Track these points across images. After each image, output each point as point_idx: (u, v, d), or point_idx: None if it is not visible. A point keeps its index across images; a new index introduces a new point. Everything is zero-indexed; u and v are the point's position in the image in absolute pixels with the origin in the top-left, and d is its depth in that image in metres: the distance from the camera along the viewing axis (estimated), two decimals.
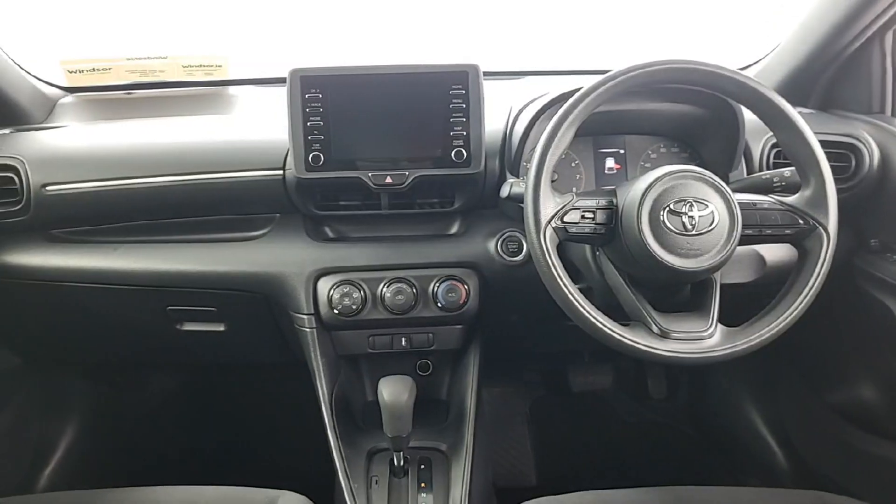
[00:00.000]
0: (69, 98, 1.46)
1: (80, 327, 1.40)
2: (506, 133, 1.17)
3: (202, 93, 1.47)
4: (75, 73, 1.40)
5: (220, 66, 1.41)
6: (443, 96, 1.06)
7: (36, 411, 1.60)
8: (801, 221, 0.93)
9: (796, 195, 0.95)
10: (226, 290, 1.21)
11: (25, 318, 1.39)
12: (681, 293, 1.00)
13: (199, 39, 1.55)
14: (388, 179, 1.08)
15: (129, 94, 1.47)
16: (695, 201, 0.89)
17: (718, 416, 1.85)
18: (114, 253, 1.20)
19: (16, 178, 1.14)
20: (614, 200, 0.94)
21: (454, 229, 1.22)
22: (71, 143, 1.25)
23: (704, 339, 0.90)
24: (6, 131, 1.28)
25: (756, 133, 1.19)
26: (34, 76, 1.40)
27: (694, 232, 0.88)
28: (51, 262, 1.21)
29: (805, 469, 1.59)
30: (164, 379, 1.96)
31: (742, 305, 0.99)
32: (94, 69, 1.40)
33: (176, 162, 1.16)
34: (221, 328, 1.31)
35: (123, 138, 1.24)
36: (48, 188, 1.14)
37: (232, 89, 1.48)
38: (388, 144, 1.08)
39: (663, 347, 0.89)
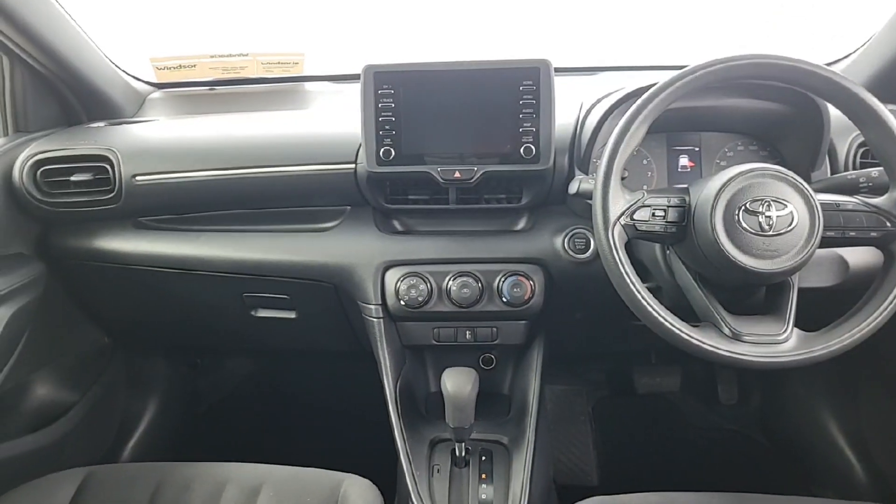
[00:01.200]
0: (158, 93, 1.55)
1: (162, 310, 1.48)
2: (576, 129, 1.16)
3: (279, 89, 1.53)
4: (164, 69, 1.49)
5: (296, 63, 1.47)
6: (513, 92, 1.06)
7: (122, 388, 1.70)
8: (888, 224, 0.89)
9: (884, 196, 0.90)
10: (298, 279, 1.24)
11: (115, 301, 1.47)
12: (755, 295, 0.98)
13: (278, 37, 1.61)
14: (457, 174, 1.09)
15: (211, 89, 1.54)
16: (773, 201, 0.86)
17: (792, 424, 1.77)
18: (196, 241, 1.26)
19: (109, 169, 1.21)
20: (687, 198, 0.93)
21: (521, 225, 1.22)
22: (159, 136, 1.32)
23: (779, 342, 0.88)
24: (101, 124, 1.37)
25: (842, 131, 1.14)
26: (127, 73, 1.49)
27: (771, 232, 0.86)
28: (138, 247, 1.28)
29: (885, 483, 1.50)
30: (238, 363, 2.05)
31: (821, 310, 0.95)
32: (180, 66, 1.48)
33: (255, 155, 1.21)
34: (293, 315, 1.35)
35: (206, 132, 1.30)
36: (138, 178, 1.21)
37: (308, 85, 1.54)
38: (457, 140, 1.09)
39: (735, 350, 0.86)
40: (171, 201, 1.25)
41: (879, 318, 0.87)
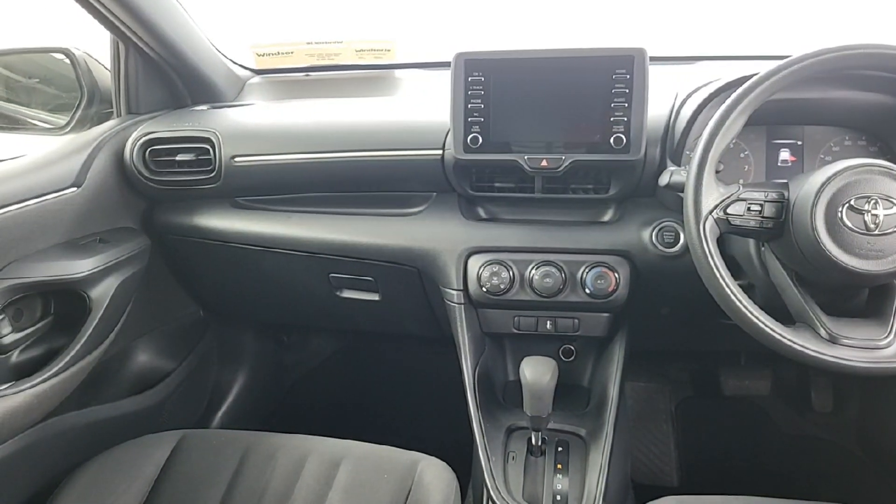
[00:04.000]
0: (256, 79, 1.62)
1: (253, 287, 1.54)
2: (669, 120, 1.13)
3: (371, 75, 1.56)
4: (263, 56, 1.55)
5: (388, 51, 1.49)
6: (605, 81, 1.04)
7: (214, 359, 1.79)
8: None
9: None
10: (383, 261, 1.27)
11: (210, 276, 1.55)
12: (856, 297, 0.93)
13: (370, 24, 1.65)
14: (544, 163, 1.08)
15: (307, 75, 1.60)
16: (880, 198, 0.82)
17: (893, 436, 1.66)
18: (287, 221, 1.30)
19: (211, 150, 1.27)
20: (786, 193, 0.89)
21: (608, 216, 1.20)
22: (257, 119, 1.37)
23: (881, 347, 0.83)
24: (204, 108, 1.44)
25: None
26: (229, 59, 1.57)
27: (877, 232, 0.81)
28: (234, 226, 1.33)
29: None
30: (323, 341, 2.12)
31: None
32: (278, 52, 1.53)
33: (346, 140, 1.24)
34: (376, 298, 1.38)
35: (301, 117, 1.34)
36: (236, 159, 1.26)
37: (398, 72, 1.56)
38: (545, 128, 1.08)
39: (832, 353, 0.82)
40: (265, 182, 1.30)
41: None
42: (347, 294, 1.41)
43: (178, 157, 1.28)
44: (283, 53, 1.53)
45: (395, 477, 1.06)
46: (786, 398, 1.86)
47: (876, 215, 0.81)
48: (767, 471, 1.71)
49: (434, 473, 1.06)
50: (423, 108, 1.30)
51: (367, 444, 1.14)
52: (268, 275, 1.44)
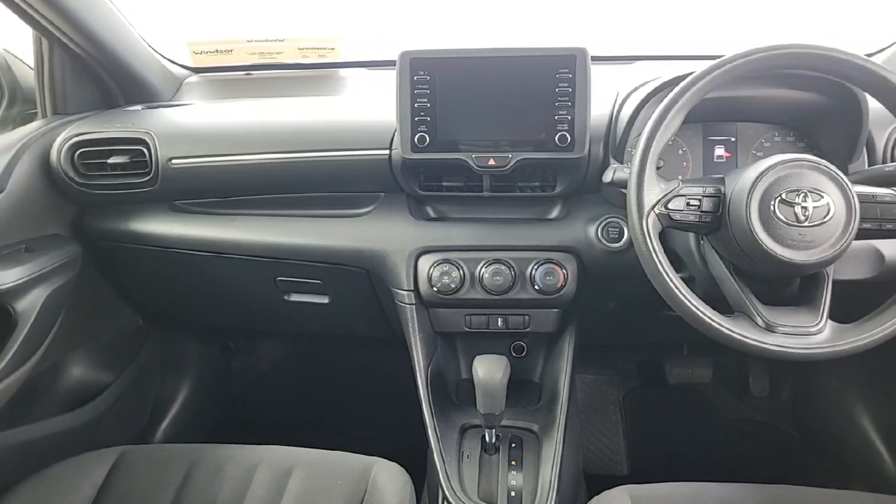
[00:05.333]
0: (194, 78, 1.57)
1: (196, 293, 1.50)
2: (611, 118, 1.16)
3: (315, 74, 1.54)
4: (201, 54, 1.50)
5: (332, 49, 1.47)
6: (549, 80, 1.06)
7: (156, 369, 1.73)
8: None
9: None
10: (331, 263, 1.25)
11: (148, 283, 1.49)
12: (789, 286, 0.97)
13: (313, 23, 1.62)
14: (492, 162, 1.09)
15: (248, 74, 1.56)
16: (809, 191, 0.86)
17: (825, 417, 1.75)
18: (230, 224, 1.27)
19: (146, 152, 1.22)
20: (722, 188, 0.92)
21: (555, 213, 1.21)
22: (195, 120, 1.33)
23: (813, 334, 0.87)
24: (138, 108, 1.39)
25: (881, 123, 1.12)
26: (164, 57, 1.51)
27: (807, 223, 0.85)
28: (173, 230, 1.29)
29: None
30: (271, 346, 2.08)
31: (856, 302, 0.94)
32: (217, 50, 1.49)
33: (290, 140, 1.21)
34: (326, 300, 1.36)
35: (242, 117, 1.31)
36: (173, 161, 1.22)
37: (343, 71, 1.54)
38: (492, 127, 1.09)
39: (768, 341, 0.86)
40: (206, 185, 1.26)
41: None
42: (296, 297, 1.38)
43: (111, 160, 1.23)
44: (221, 52, 1.49)
45: (349, 482, 1.04)
46: (726, 384, 1.94)
47: (805, 207, 0.85)
48: (711, 455, 1.78)
49: (388, 477, 1.05)
50: (369, 108, 1.29)
51: (319, 450, 1.12)
52: (211, 280, 1.40)
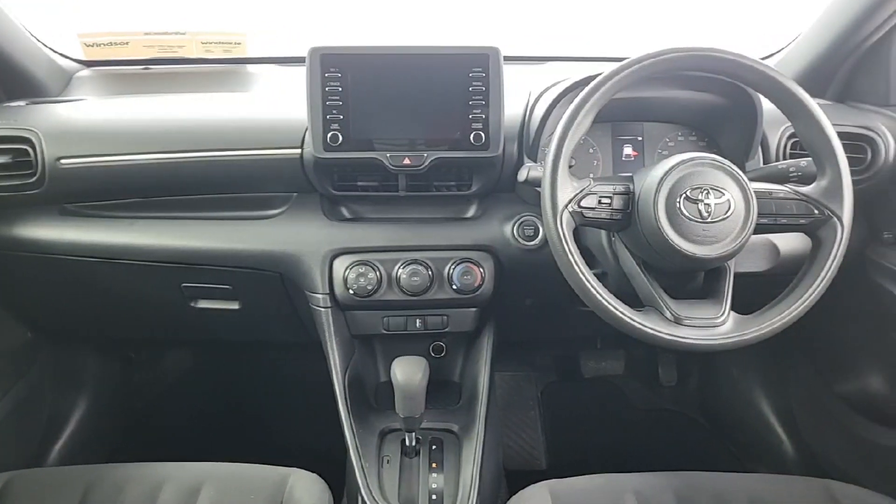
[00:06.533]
0: (86, 72, 1.47)
1: (92, 302, 1.41)
2: (524, 117, 1.17)
3: (221, 70, 1.47)
4: (92, 46, 1.41)
5: (238, 44, 1.41)
6: (463, 79, 1.06)
7: (48, 386, 1.61)
8: (815, 211, 0.93)
9: (812, 185, 0.95)
10: (241, 268, 1.21)
11: (38, 293, 1.39)
12: (695, 280, 1.01)
13: (220, 17, 1.55)
14: (407, 161, 1.08)
15: (146, 69, 1.47)
16: (711, 189, 0.89)
17: (728, 403, 1.86)
18: (129, 228, 1.20)
19: (30, 151, 1.13)
20: (631, 186, 0.95)
21: (471, 212, 1.22)
22: (87, 116, 1.24)
23: (717, 325, 0.91)
24: (21, 103, 1.28)
25: (774, 123, 1.19)
26: (51, 49, 1.40)
27: (710, 219, 0.89)
28: (64, 236, 1.21)
29: (812, 457, 1.60)
30: (178, 356, 1.98)
31: (755, 294, 0.99)
32: (111, 43, 1.40)
33: (193, 138, 1.16)
34: (236, 306, 1.31)
35: (140, 113, 1.24)
36: (63, 161, 1.14)
37: (251, 68, 1.48)
38: (407, 126, 1.08)
39: (676, 333, 0.89)
40: (100, 186, 1.19)
41: (807, 301, 0.91)
42: (203, 304, 1.33)
43: None
44: (116, 44, 1.40)
45: (263, 496, 1.00)
46: (637, 375, 2.02)
47: (708, 204, 0.89)
48: (625, 444, 1.84)
49: (305, 488, 1.02)
50: (278, 105, 1.25)
51: (231, 464, 1.07)
52: (109, 289, 1.32)
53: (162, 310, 1.38)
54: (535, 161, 1.14)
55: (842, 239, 0.92)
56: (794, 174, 1.05)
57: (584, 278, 0.90)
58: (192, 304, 1.32)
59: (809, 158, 0.99)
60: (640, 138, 1.26)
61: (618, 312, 0.90)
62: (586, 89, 0.92)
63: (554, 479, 1.03)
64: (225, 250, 1.19)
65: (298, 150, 1.13)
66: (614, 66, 0.92)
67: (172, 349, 1.97)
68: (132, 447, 1.76)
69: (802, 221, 0.94)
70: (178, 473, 1.05)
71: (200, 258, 1.20)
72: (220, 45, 1.40)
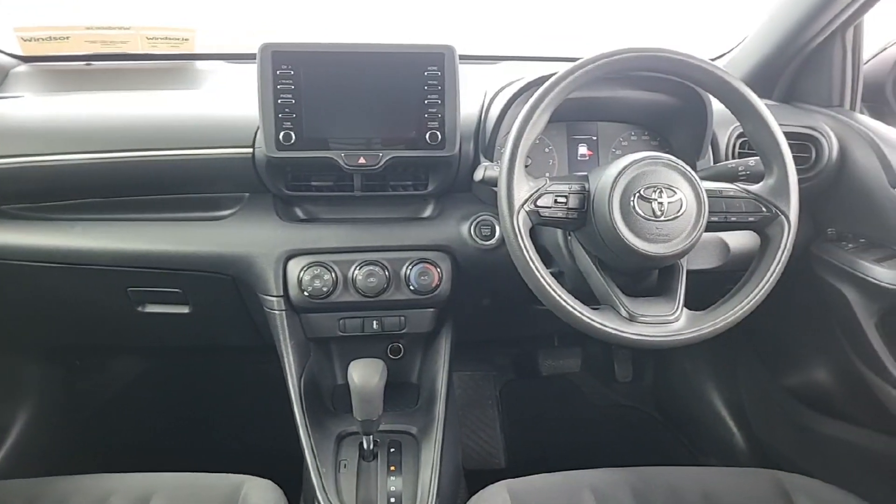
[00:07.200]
0: (24, 67, 1.40)
1: (33, 309, 1.35)
2: (480, 117, 1.17)
3: (167, 67, 1.43)
4: (30, 41, 1.35)
5: (186, 40, 1.37)
6: (418, 77, 1.05)
7: None
8: (763, 209, 0.95)
9: (760, 184, 0.97)
10: (191, 271, 1.17)
11: None
12: (649, 278, 1.02)
13: (168, 12, 1.50)
14: (362, 160, 1.06)
15: (88, 65, 1.41)
16: (664, 188, 0.91)
17: (681, 398, 1.90)
18: (71, 231, 1.15)
19: None
20: (586, 186, 0.95)
21: (427, 212, 1.21)
22: (24, 114, 1.19)
23: (670, 322, 0.92)
24: None
25: (723, 123, 1.21)
26: None
27: (663, 218, 0.90)
28: (1, 239, 1.15)
29: (761, 449, 1.65)
30: (125, 363, 1.90)
31: (706, 291, 1.01)
32: (50, 37, 1.34)
33: (138, 137, 1.12)
34: (186, 310, 1.27)
35: (81, 111, 1.19)
36: None
37: (200, 64, 1.44)
38: (361, 124, 1.06)
39: (631, 330, 0.90)
40: (38, 187, 1.14)
41: (757, 296, 0.93)
42: (151, 309, 1.28)
43: None
44: (56, 38, 1.34)
45: None
46: (594, 372, 2.05)
47: (661, 203, 0.90)
48: (583, 441, 1.86)
49: (259, 495, 0.99)
50: (229, 103, 1.22)
51: (182, 473, 1.04)
52: (49, 294, 1.27)
53: (107, 315, 1.33)
54: (491, 160, 1.14)
55: (789, 236, 0.94)
56: (743, 173, 1.07)
57: (540, 277, 0.90)
58: (140, 309, 1.27)
59: (757, 157, 1.01)
60: (594, 138, 1.27)
61: (574, 311, 0.90)
62: (541, 89, 0.93)
63: (512, 479, 1.03)
64: (173, 253, 1.15)
65: (250, 150, 1.10)
66: (569, 65, 0.92)
67: (120, 355, 1.90)
68: (77, 459, 1.69)
69: (751, 219, 0.96)
70: (126, 485, 1.01)
71: (147, 261, 1.16)
72: (167, 40, 1.36)
